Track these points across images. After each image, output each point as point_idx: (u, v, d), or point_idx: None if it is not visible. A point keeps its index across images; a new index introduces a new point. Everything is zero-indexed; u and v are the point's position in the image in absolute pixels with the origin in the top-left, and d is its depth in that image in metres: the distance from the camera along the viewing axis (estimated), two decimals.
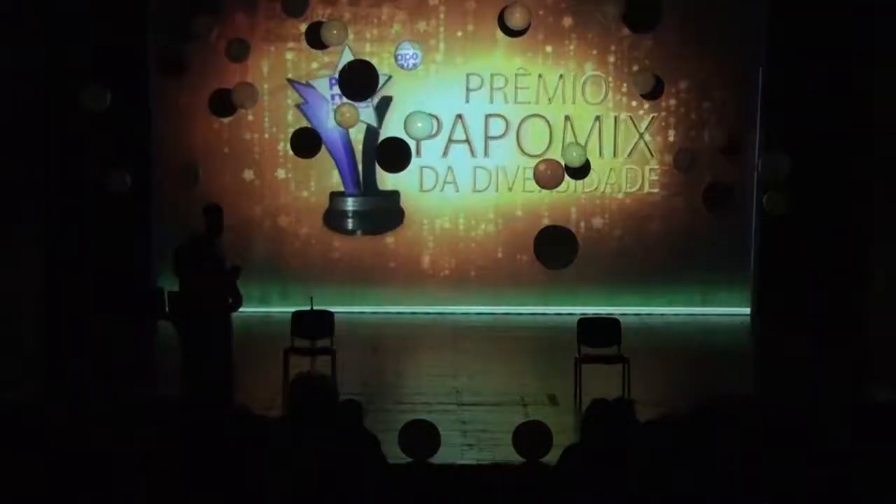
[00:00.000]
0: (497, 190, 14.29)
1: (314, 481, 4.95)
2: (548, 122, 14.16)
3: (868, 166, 11.66)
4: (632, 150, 14.05)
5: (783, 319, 12.55)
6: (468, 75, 14.25)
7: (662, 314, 13.77)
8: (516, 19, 10.18)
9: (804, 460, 5.28)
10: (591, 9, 11.30)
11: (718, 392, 8.97)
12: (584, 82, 14.08)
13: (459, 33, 14.01)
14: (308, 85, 14.02)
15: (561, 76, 14.18)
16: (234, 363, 9.25)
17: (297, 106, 14.00)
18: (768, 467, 5.20)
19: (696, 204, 12.17)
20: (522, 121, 14.20)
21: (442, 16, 14.04)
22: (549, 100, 14.18)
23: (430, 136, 11.85)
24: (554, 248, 9.90)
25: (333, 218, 14.30)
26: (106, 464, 5.20)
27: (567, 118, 14.21)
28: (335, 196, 14.39)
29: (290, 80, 13.98)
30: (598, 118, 14.14)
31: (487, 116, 14.25)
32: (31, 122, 10.70)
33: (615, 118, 14.15)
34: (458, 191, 14.36)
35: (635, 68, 13.52)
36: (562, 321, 12.84)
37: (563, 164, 10.42)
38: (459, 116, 14.25)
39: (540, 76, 14.19)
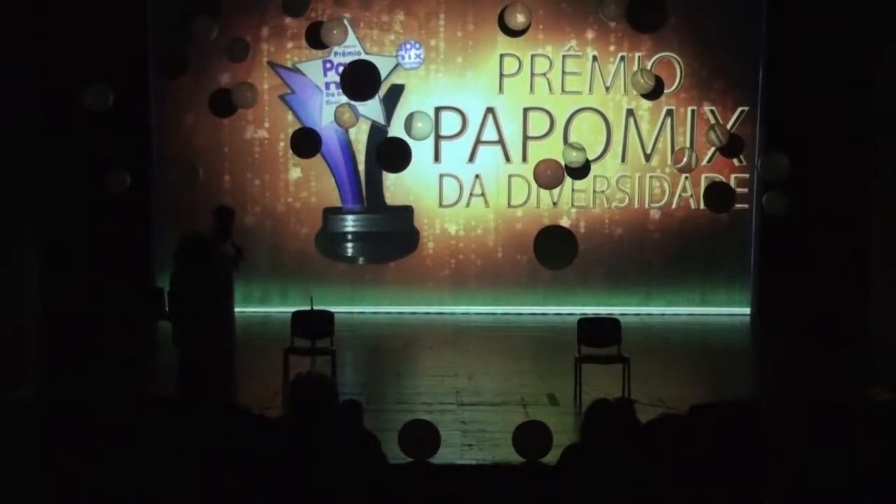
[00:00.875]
0: (539, 205, 13.31)
1: (314, 481, 4.95)
2: (604, 117, 13.34)
3: (868, 166, 11.65)
4: (713, 155, 12.96)
5: (783, 319, 12.55)
6: (502, 57, 12.99)
7: (662, 314, 13.75)
8: (516, 19, 10.17)
9: (804, 461, 5.28)
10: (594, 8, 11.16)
11: (718, 392, 8.99)
12: (652, 66, 12.90)
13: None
14: (295, 70, 13.20)
15: (622, 58, 13.01)
16: (234, 364, 9.24)
17: (282, 96, 13.22)
18: (768, 468, 5.20)
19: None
20: (571, 116, 13.23)
21: None
22: (606, 88, 13.21)
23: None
24: (554, 248, 9.91)
25: (328, 242, 13.29)
26: (105, 464, 5.20)
27: (630, 112, 13.20)
28: (330, 213, 13.34)
29: (271, 64, 13.14)
30: (669, 112, 13.28)
31: (526, 110, 13.27)
32: (30, 122, 10.69)
33: (692, 112, 13.28)
34: (488, 206, 13.36)
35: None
36: (562, 321, 12.83)
37: (563, 163, 10.41)
38: (490, 111, 13.24)
39: (595, 58, 13.10)
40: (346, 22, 12.16)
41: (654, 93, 11.06)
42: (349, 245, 13.41)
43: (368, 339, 12.33)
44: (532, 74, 13.15)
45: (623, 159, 13.56)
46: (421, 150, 12.14)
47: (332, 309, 10.42)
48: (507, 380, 10.56)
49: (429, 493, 6.87)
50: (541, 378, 10.53)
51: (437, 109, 13.27)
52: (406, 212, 13.39)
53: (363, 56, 12.72)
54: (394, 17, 13.45)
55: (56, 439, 5.46)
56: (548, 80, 13.23)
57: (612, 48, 13.32)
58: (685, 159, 11.05)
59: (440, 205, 13.49)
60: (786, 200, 10.30)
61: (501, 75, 13.23)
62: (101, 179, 10.53)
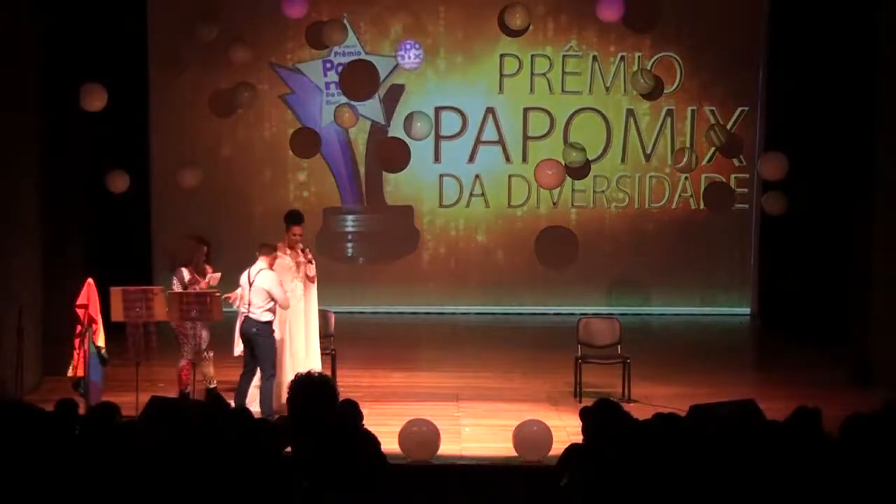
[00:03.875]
0: (539, 205, 13.26)
1: (314, 480, 4.96)
2: (604, 117, 13.27)
3: (868, 166, 11.65)
4: (713, 155, 12.63)
5: (783, 320, 12.55)
6: (502, 57, 12.93)
7: (662, 314, 13.74)
8: (516, 19, 10.16)
9: (803, 461, 5.28)
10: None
11: (718, 392, 8.99)
12: (652, 66, 12.82)
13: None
14: (295, 70, 13.18)
15: (622, 58, 12.96)
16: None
17: (282, 96, 13.18)
18: (767, 468, 5.20)
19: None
20: (571, 116, 13.16)
21: None
22: (606, 88, 13.15)
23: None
24: (555, 248, 9.92)
25: (328, 241, 13.23)
26: (105, 463, 5.20)
27: (630, 112, 13.14)
28: (330, 213, 13.29)
29: (271, 64, 13.10)
30: (669, 112, 13.21)
31: (526, 110, 13.22)
32: (29, 122, 10.68)
33: (692, 112, 13.21)
34: (488, 206, 13.34)
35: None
36: (562, 321, 12.82)
37: (563, 163, 10.40)
38: (490, 111, 13.18)
39: (595, 58, 13.04)
40: (346, 22, 12.14)
41: (654, 93, 11.04)
42: (349, 245, 13.35)
43: (368, 339, 12.32)
44: (532, 74, 13.12)
45: (623, 159, 13.55)
46: (421, 150, 12.13)
47: (332, 309, 10.42)
48: (507, 380, 10.56)
49: (429, 493, 6.87)
50: (541, 378, 10.53)
51: (437, 109, 13.24)
52: (406, 212, 13.33)
53: (363, 56, 12.69)
54: (394, 17, 13.40)
55: (56, 439, 5.46)
56: (548, 79, 13.20)
57: (612, 48, 13.30)
58: (685, 159, 11.05)
59: (440, 205, 13.45)
60: (785, 200, 10.31)
61: (501, 75, 13.20)
62: (101, 179, 10.52)
